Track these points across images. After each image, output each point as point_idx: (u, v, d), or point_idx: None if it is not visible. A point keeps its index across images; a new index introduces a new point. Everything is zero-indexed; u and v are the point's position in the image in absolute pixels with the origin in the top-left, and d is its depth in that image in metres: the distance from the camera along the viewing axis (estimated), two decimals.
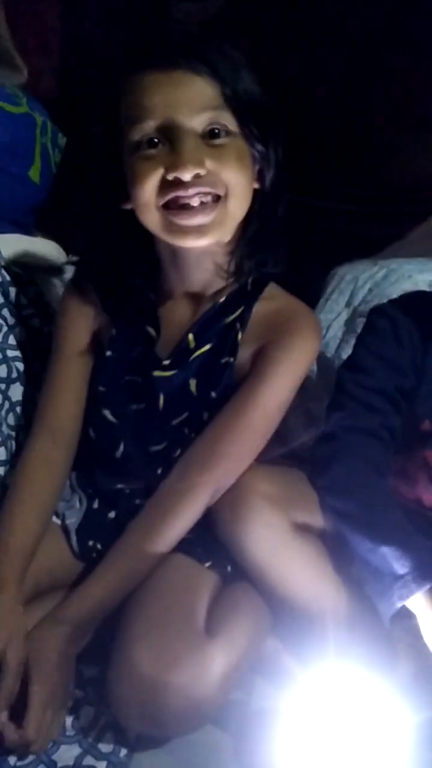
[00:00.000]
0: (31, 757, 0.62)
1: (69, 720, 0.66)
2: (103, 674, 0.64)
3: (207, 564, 0.70)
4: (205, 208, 0.66)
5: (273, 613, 0.71)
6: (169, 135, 0.64)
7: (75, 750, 0.63)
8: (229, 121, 0.66)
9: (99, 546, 0.76)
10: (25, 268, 0.97)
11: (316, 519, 0.72)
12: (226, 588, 0.70)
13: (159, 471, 0.76)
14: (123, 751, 0.63)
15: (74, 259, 1.22)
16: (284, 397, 0.74)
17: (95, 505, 0.80)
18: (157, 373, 0.75)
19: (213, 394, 0.75)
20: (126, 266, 0.76)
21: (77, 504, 0.80)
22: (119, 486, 0.79)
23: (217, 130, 0.65)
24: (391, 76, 1.61)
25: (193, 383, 0.75)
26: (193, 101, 0.64)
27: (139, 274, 0.77)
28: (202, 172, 0.64)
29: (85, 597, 0.68)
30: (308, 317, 0.78)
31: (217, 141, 0.65)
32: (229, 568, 0.71)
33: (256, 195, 0.71)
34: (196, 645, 0.61)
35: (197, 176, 0.64)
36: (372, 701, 0.64)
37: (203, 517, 0.73)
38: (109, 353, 0.77)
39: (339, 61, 1.62)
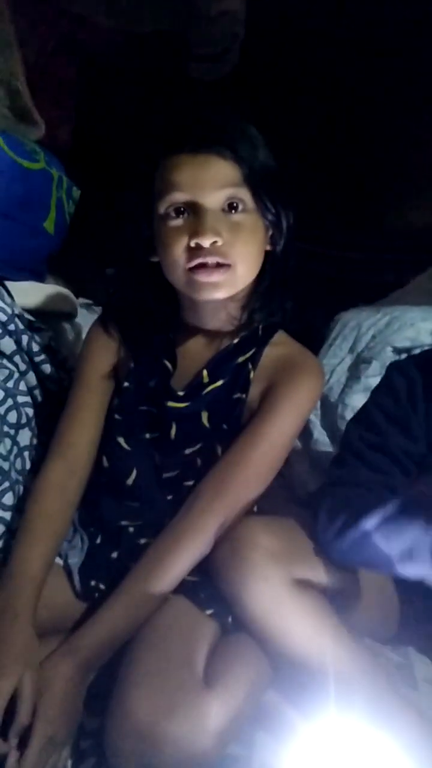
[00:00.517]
0: None
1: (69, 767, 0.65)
2: (104, 725, 0.63)
3: (209, 612, 0.71)
4: (219, 268, 0.74)
5: (273, 666, 0.71)
6: (194, 208, 0.73)
7: None
8: (245, 196, 0.74)
9: (101, 586, 0.76)
10: (37, 315, 1.00)
11: (316, 573, 0.73)
12: (226, 639, 0.70)
13: (169, 497, 0.80)
14: None
15: (86, 302, 1.27)
16: (289, 434, 0.79)
17: (98, 541, 0.81)
18: (171, 404, 0.80)
19: (225, 427, 0.79)
20: (149, 308, 0.83)
21: (79, 543, 0.81)
22: (124, 523, 0.80)
23: (235, 204, 0.74)
24: (393, 134, 1.68)
25: (205, 416, 0.80)
26: (215, 180, 0.73)
27: (160, 314, 0.83)
28: (219, 241, 0.72)
29: (94, 631, 0.69)
30: (312, 362, 0.84)
31: (235, 215, 0.74)
32: (230, 619, 0.71)
33: (269, 255, 0.80)
34: (193, 696, 0.61)
35: (215, 243, 0.72)
36: (375, 755, 0.63)
37: (208, 563, 0.73)
38: (126, 384, 0.83)
39: (343, 119, 1.69)
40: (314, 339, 1.40)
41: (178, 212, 0.74)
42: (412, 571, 0.66)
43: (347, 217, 1.71)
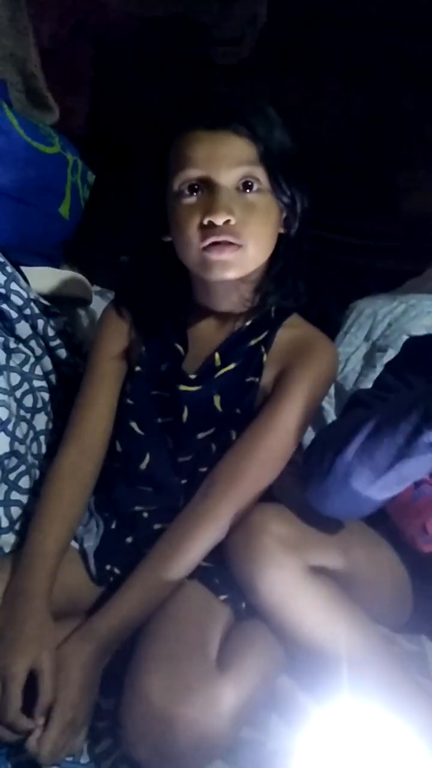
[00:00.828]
0: None
1: (85, 748, 0.66)
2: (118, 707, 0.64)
3: (222, 597, 0.71)
4: (230, 246, 0.73)
5: (287, 653, 0.71)
6: (208, 184, 0.72)
7: None
8: (261, 176, 0.73)
9: (117, 570, 0.77)
10: (52, 300, 1.00)
11: (330, 559, 0.72)
12: (240, 624, 0.71)
13: (183, 482, 0.80)
14: None
15: (100, 289, 1.27)
16: (304, 418, 0.77)
17: (113, 526, 0.81)
18: (183, 388, 0.79)
19: (238, 411, 0.79)
20: (160, 289, 0.83)
21: (95, 528, 0.82)
22: (138, 508, 0.80)
23: (250, 183, 0.73)
24: (408, 119, 1.66)
25: (217, 399, 0.79)
26: (230, 157, 0.72)
27: (171, 296, 0.83)
28: (232, 220, 0.71)
29: (111, 614, 0.68)
30: (326, 344, 0.83)
31: (249, 194, 0.73)
32: (243, 605, 0.71)
33: (282, 238, 0.79)
34: (206, 679, 0.61)
35: (228, 221, 0.71)
36: (389, 740, 0.63)
37: (223, 549, 0.73)
38: (138, 369, 0.82)
39: (359, 105, 1.67)
40: (329, 327, 1.39)
41: (192, 189, 0.73)
42: (408, 467, 0.66)
43: (363, 204, 1.69)
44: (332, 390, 1.25)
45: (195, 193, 0.73)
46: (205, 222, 0.71)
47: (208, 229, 0.71)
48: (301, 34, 1.60)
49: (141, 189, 0.79)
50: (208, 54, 1.44)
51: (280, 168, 0.74)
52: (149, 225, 0.79)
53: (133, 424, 0.81)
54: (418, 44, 1.61)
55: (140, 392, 0.82)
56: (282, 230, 0.78)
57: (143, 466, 0.81)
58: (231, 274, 0.74)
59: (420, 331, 1.24)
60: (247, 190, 0.73)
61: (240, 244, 0.72)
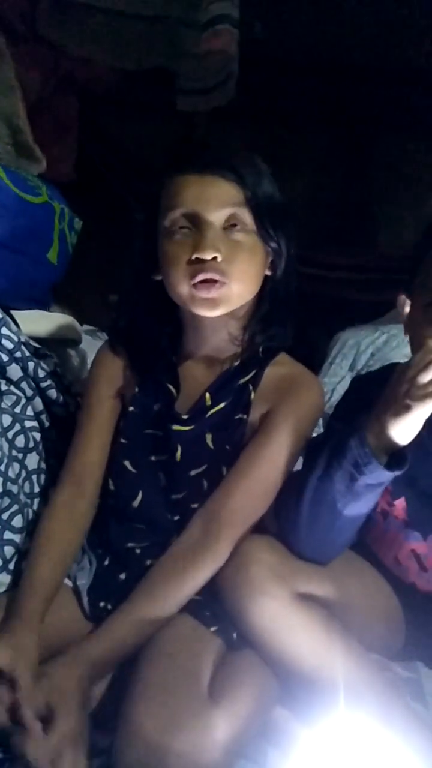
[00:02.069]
0: None
1: None
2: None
3: (213, 629, 0.71)
4: (216, 284, 0.76)
5: (281, 683, 0.71)
6: (196, 223, 0.76)
7: None
8: (246, 218, 0.77)
9: (110, 607, 0.77)
10: (43, 342, 1.03)
11: (321, 588, 0.73)
12: (231, 655, 0.71)
13: (176, 518, 0.81)
14: None
15: (90, 328, 1.30)
16: (291, 453, 0.79)
17: (106, 563, 0.82)
18: (176, 428, 0.81)
19: (228, 447, 0.81)
20: (153, 329, 0.86)
21: (87, 565, 0.82)
22: (131, 545, 0.81)
23: (236, 223, 0.77)
24: (387, 158, 1.72)
25: (209, 437, 0.82)
26: (218, 197, 0.76)
27: (163, 337, 0.86)
28: (218, 257, 0.75)
29: (106, 636, 0.70)
30: (313, 381, 0.86)
31: (235, 234, 0.77)
32: (234, 635, 0.72)
33: (269, 279, 0.82)
34: (199, 711, 0.62)
35: (214, 258, 0.75)
36: (385, 766, 0.63)
37: (212, 582, 0.74)
38: (132, 408, 0.84)
39: (340, 142, 1.73)
40: (315, 357, 1.43)
41: (182, 227, 0.76)
42: (359, 502, 0.72)
43: (343, 240, 1.74)
44: (320, 420, 1.27)
45: (184, 231, 0.76)
46: (194, 258, 0.74)
47: (196, 264, 0.75)
48: (275, 80, 1.68)
49: (132, 229, 0.83)
50: (177, 103, 1.50)
51: (266, 213, 0.77)
52: (141, 263, 0.82)
53: (127, 463, 0.83)
54: (393, 84, 1.68)
55: (134, 431, 0.83)
56: (268, 272, 0.81)
57: (136, 503, 0.82)
58: (218, 311, 0.77)
59: (402, 360, 1.27)
60: (234, 229, 0.76)
61: (225, 281, 0.75)
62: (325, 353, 1.46)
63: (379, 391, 0.82)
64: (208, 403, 0.82)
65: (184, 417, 0.82)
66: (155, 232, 0.79)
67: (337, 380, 1.34)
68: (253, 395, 0.81)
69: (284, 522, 0.76)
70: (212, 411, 0.82)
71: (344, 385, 1.34)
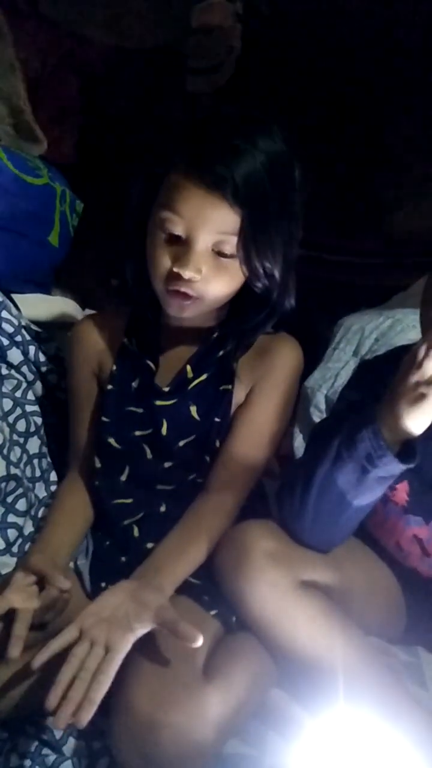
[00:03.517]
0: None
1: None
2: None
3: (213, 612, 0.72)
4: (190, 296, 0.76)
5: (280, 667, 0.72)
6: (186, 237, 0.74)
7: None
8: (237, 247, 0.74)
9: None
10: (43, 326, 1.03)
11: (321, 574, 0.73)
12: (228, 636, 0.71)
13: (170, 488, 0.84)
14: None
15: (91, 312, 1.29)
16: (281, 416, 0.83)
17: (107, 544, 0.83)
18: (159, 402, 0.83)
19: (216, 419, 0.82)
20: (135, 305, 0.86)
21: (86, 547, 0.84)
22: (126, 522, 0.82)
23: (223, 250, 0.74)
24: (392, 138, 1.69)
25: (193, 409, 0.83)
26: (214, 222, 0.73)
27: (142, 310, 0.85)
28: (197, 277, 0.74)
29: (172, 572, 0.73)
30: (288, 342, 0.87)
31: (220, 258, 0.75)
32: (233, 619, 0.72)
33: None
34: (192, 688, 0.62)
35: (194, 278, 0.74)
36: (384, 754, 0.63)
37: (210, 566, 0.75)
38: (110, 387, 0.85)
39: (343, 124, 1.70)
40: (318, 343, 1.42)
41: (171, 233, 0.74)
42: (369, 493, 0.71)
43: (348, 223, 1.72)
44: (323, 405, 1.26)
45: (172, 235, 0.74)
46: (175, 269, 0.74)
47: (175, 274, 0.74)
48: (282, 59, 1.65)
49: (129, 199, 0.80)
50: (186, 84, 1.47)
51: (257, 243, 0.74)
52: (132, 232, 0.80)
53: (111, 440, 0.84)
54: (401, 66, 1.65)
55: (114, 409, 0.84)
56: (248, 278, 0.78)
57: (123, 477, 0.84)
58: (187, 315, 0.78)
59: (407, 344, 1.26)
60: (221, 253, 0.74)
61: (198, 298, 0.76)
62: (327, 339, 1.44)
63: (386, 375, 0.82)
64: (190, 375, 0.83)
65: (165, 390, 0.83)
66: (148, 210, 0.77)
67: (340, 366, 1.33)
68: (235, 365, 0.83)
69: (288, 510, 0.76)
70: (194, 383, 0.83)
71: (348, 371, 1.33)
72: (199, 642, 0.63)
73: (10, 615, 0.66)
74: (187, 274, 0.73)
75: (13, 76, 1.28)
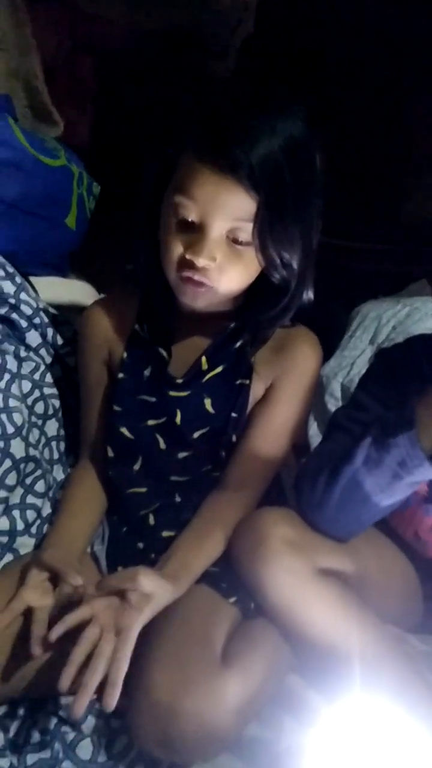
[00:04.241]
0: None
1: (102, 747, 0.66)
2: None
3: (232, 600, 0.72)
4: (204, 285, 0.73)
5: (296, 653, 0.72)
6: (200, 223, 0.71)
7: None
8: (253, 234, 0.71)
9: None
10: (61, 309, 1.02)
11: (339, 561, 0.73)
12: (245, 622, 0.71)
13: (185, 479, 0.82)
14: None
15: (101, 297, 1.28)
16: (300, 412, 0.82)
17: (124, 530, 0.83)
18: (172, 393, 0.81)
19: (233, 414, 0.81)
20: (156, 289, 0.82)
21: (102, 532, 0.83)
22: (143, 512, 0.82)
23: (238, 237, 0.71)
24: (410, 122, 1.67)
25: (208, 402, 0.81)
26: (229, 207, 0.69)
27: (156, 298, 0.83)
28: (210, 265, 0.72)
29: (187, 565, 0.73)
30: (307, 336, 0.84)
31: (235, 245, 0.72)
32: (252, 606, 0.72)
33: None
34: (211, 673, 0.62)
35: (207, 265, 0.72)
36: (399, 738, 0.63)
37: (229, 554, 0.75)
38: (121, 375, 0.83)
39: (359, 109, 1.68)
40: (334, 331, 1.41)
41: (184, 219, 0.71)
42: (397, 495, 0.70)
43: (366, 209, 1.70)
44: (338, 393, 1.25)
45: (186, 221, 0.71)
46: (187, 256, 0.71)
47: (188, 261, 0.72)
48: (295, 41, 1.62)
49: (142, 182, 0.78)
50: (204, 66, 1.45)
51: (273, 230, 0.71)
52: (145, 217, 0.77)
53: (123, 429, 0.82)
54: (418, 49, 1.62)
55: (126, 398, 0.83)
56: (265, 268, 0.75)
57: (136, 467, 0.83)
58: (199, 304, 0.76)
59: (424, 334, 1.25)
60: (236, 240, 0.71)
61: (212, 286, 0.73)
62: (343, 327, 1.43)
63: (406, 364, 0.81)
64: (204, 367, 0.81)
65: (179, 381, 0.81)
66: (163, 191, 0.74)
67: (357, 353, 1.32)
68: (253, 359, 0.81)
69: (308, 501, 0.75)
70: (209, 375, 0.81)
71: (364, 359, 1.32)
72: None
73: (28, 612, 0.67)
74: (200, 262, 0.71)
75: (30, 56, 1.27)
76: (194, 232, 0.71)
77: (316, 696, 0.71)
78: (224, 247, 0.72)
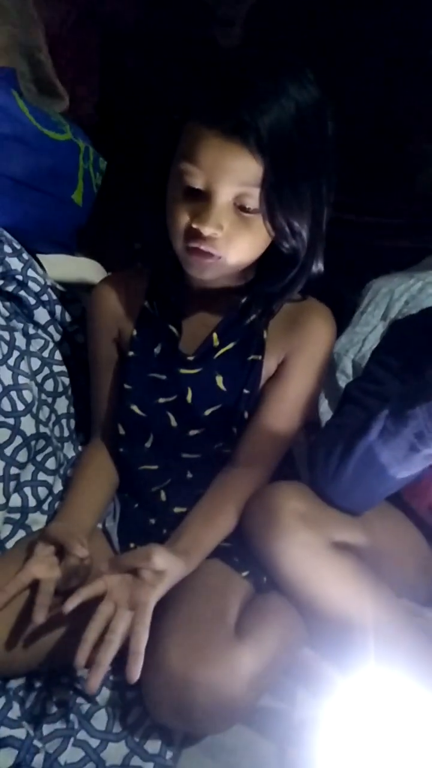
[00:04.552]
0: (81, 753, 0.64)
1: (117, 718, 0.67)
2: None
3: (244, 573, 0.72)
4: (212, 256, 0.72)
5: (310, 627, 0.72)
6: (206, 190, 0.69)
7: (123, 749, 0.64)
8: (261, 200, 0.69)
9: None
10: (69, 287, 1.01)
11: (352, 535, 0.73)
12: (258, 596, 0.71)
13: (195, 456, 0.82)
14: (169, 754, 0.64)
15: (110, 274, 1.27)
16: (313, 387, 0.81)
17: (135, 506, 0.83)
18: (183, 371, 0.80)
19: (246, 391, 0.80)
20: (163, 263, 0.81)
21: (114, 508, 0.84)
22: (154, 488, 0.82)
23: (245, 204, 0.69)
24: (424, 92, 1.63)
25: (219, 379, 0.80)
26: (235, 172, 0.68)
27: (165, 273, 0.82)
28: (218, 234, 0.70)
29: (199, 541, 0.72)
30: (320, 310, 0.83)
31: (243, 213, 0.70)
32: (264, 579, 0.72)
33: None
34: (225, 645, 0.62)
35: (214, 234, 0.70)
36: (414, 712, 0.64)
37: (241, 529, 0.75)
38: (131, 353, 0.83)
39: (372, 79, 1.64)
40: (345, 307, 1.39)
41: (190, 186, 0.70)
42: (414, 467, 0.69)
43: (377, 182, 1.67)
44: (350, 370, 1.24)
45: (191, 189, 0.70)
46: (194, 226, 0.70)
47: (194, 231, 0.70)
48: (303, 6, 1.58)
49: (150, 150, 0.76)
50: (212, 35, 1.41)
51: (281, 197, 0.69)
52: (151, 189, 0.76)
53: (134, 407, 0.82)
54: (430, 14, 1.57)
55: (136, 376, 0.82)
56: (274, 238, 0.73)
57: (148, 444, 0.83)
58: (208, 276, 0.74)
59: None
60: (243, 207, 0.69)
61: (220, 256, 0.71)
62: (355, 303, 1.41)
63: (420, 336, 0.79)
64: (216, 343, 0.80)
65: (190, 359, 0.80)
66: (168, 161, 0.72)
67: (368, 330, 1.30)
68: (265, 334, 0.80)
69: (322, 474, 0.74)
70: (220, 352, 0.80)
71: (376, 335, 1.30)
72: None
73: (35, 585, 0.67)
74: (207, 230, 0.69)
75: (34, 29, 1.24)
76: (201, 200, 0.70)
77: (330, 668, 0.72)
78: (231, 215, 0.70)
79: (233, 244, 0.71)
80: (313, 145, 0.69)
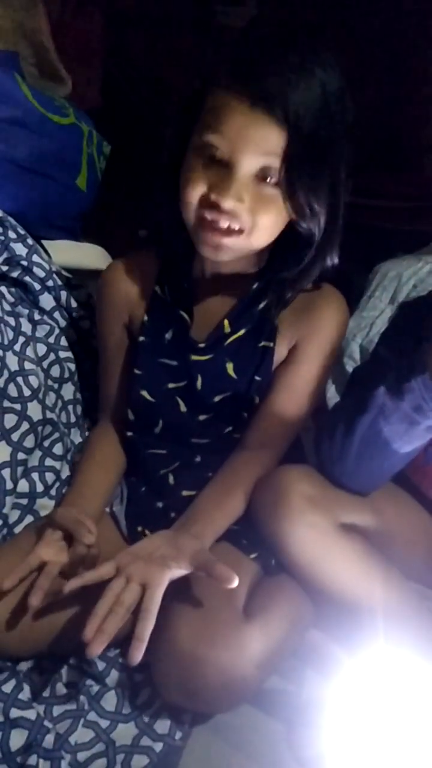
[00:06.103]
0: (91, 733, 0.64)
1: (126, 699, 0.68)
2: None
3: (252, 556, 0.72)
4: (230, 233, 0.69)
5: (318, 608, 0.72)
6: (228, 159, 0.67)
7: (132, 730, 0.65)
8: (283, 173, 0.68)
9: (148, 532, 0.77)
10: (74, 273, 1.01)
11: (360, 517, 0.73)
12: (267, 578, 0.72)
13: (204, 441, 0.82)
14: (178, 734, 0.65)
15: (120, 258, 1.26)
16: (323, 374, 0.81)
17: (143, 490, 0.83)
18: (194, 357, 0.80)
19: (257, 378, 0.79)
20: (174, 247, 0.79)
21: (121, 492, 0.84)
22: (162, 471, 0.82)
23: (268, 176, 0.68)
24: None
25: (230, 366, 0.79)
26: (259, 142, 0.66)
27: (177, 258, 0.80)
28: (239, 207, 0.67)
29: (211, 523, 0.73)
30: (333, 296, 0.82)
31: (265, 186, 0.68)
32: (273, 561, 0.73)
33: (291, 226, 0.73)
34: (233, 625, 0.63)
35: (235, 207, 0.67)
36: (422, 693, 0.64)
37: (250, 510, 0.75)
38: (142, 339, 0.82)
39: (380, 62, 1.61)
40: (352, 291, 1.37)
41: (212, 156, 0.68)
42: (416, 441, 0.70)
43: (386, 165, 1.65)
44: (357, 354, 1.23)
45: (212, 157, 0.68)
46: (212, 198, 0.67)
47: (212, 202, 0.68)
48: None
49: (167, 124, 0.73)
50: (216, 15, 1.39)
51: (302, 171, 0.67)
52: (167, 164, 0.74)
53: (144, 393, 0.82)
54: None
55: (147, 361, 0.82)
56: (294, 217, 0.71)
57: (157, 430, 0.83)
58: (223, 257, 0.72)
59: None
60: (265, 181, 0.68)
61: (242, 228, 0.69)
62: (362, 287, 1.40)
63: (429, 317, 0.78)
64: (227, 330, 0.79)
65: (201, 346, 0.79)
66: (188, 133, 0.70)
67: (376, 314, 1.29)
68: (277, 321, 0.79)
69: (327, 454, 0.74)
70: (231, 339, 0.79)
71: (383, 319, 1.29)
72: (235, 583, 0.63)
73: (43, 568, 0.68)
74: (227, 203, 0.66)
75: (36, 11, 1.23)
76: (221, 172, 0.67)
77: (338, 650, 0.72)
78: (253, 189, 0.67)
79: (255, 219, 0.68)
80: (336, 127, 0.68)
